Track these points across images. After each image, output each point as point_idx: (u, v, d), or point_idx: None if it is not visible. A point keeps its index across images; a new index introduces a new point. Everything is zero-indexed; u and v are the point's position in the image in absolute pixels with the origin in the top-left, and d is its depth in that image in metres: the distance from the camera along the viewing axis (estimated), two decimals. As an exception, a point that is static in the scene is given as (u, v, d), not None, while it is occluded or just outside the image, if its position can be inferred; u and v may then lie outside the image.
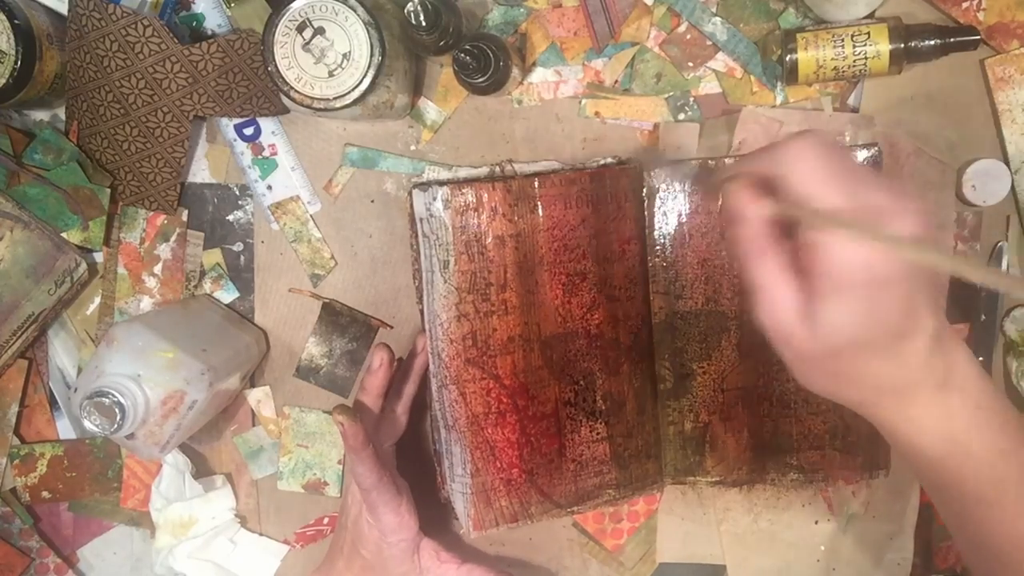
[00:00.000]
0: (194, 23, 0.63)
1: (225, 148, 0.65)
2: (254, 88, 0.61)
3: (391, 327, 0.65)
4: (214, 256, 0.66)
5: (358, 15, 0.53)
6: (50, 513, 0.69)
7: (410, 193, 0.58)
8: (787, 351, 0.42)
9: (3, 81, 0.58)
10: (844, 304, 0.38)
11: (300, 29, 0.54)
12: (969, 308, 0.62)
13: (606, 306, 0.60)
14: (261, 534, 0.67)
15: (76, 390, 0.56)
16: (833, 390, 0.43)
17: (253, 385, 0.67)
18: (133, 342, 0.55)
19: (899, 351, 0.40)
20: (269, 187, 0.64)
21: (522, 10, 0.62)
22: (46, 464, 0.67)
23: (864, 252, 0.37)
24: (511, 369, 0.57)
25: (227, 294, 0.66)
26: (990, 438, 0.43)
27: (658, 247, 0.61)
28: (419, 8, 0.52)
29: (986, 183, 0.60)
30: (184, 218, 0.66)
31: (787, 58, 0.58)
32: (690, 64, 0.62)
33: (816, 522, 0.64)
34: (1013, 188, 0.60)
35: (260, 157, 0.64)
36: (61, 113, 0.65)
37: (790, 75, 0.59)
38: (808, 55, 0.57)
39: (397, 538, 0.55)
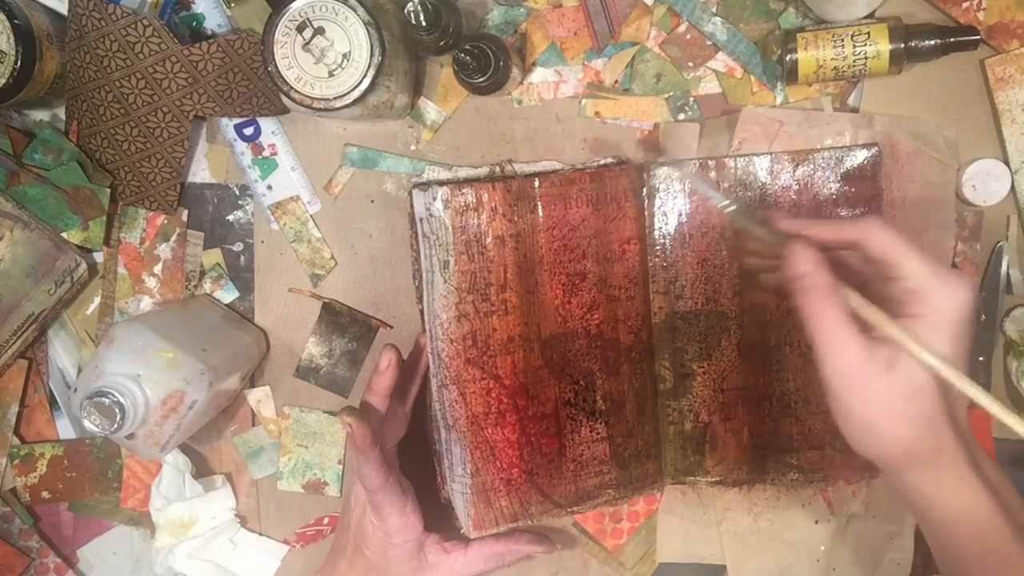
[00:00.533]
0: (194, 23, 0.63)
1: (225, 148, 0.65)
2: (254, 88, 0.61)
3: (391, 327, 0.65)
4: (214, 256, 0.66)
5: (358, 15, 0.53)
6: (50, 513, 0.69)
7: (410, 193, 0.58)
8: (856, 400, 0.44)
9: (3, 81, 0.58)
10: (945, 338, 0.43)
11: (300, 29, 0.54)
12: (969, 308, 0.62)
13: (606, 306, 0.60)
14: (261, 534, 0.67)
15: (76, 390, 0.56)
16: (898, 439, 0.44)
17: (253, 385, 0.67)
18: (133, 342, 0.55)
19: (961, 406, 0.44)
20: (269, 187, 0.64)
21: (522, 10, 0.62)
22: (46, 464, 0.67)
23: (966, 296, 0.43)
24: (511, 369, 0.57)
25: (227, 294, 0.66)
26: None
27: (658, 247, 0.61)
28: (419, 8, 0.52)
29: (986, 183, 0.60)
30: (184, 218, 0.66)
31: (787, 58, 0.58)
32: (690, 64, 0.62)
33: (816, 522, 0.64)
34: (1013, 188, 0.60)
35: (260, 157, 0.64)
36: (61, 113, 0.65)
37: (790, 75, 0.59)
38: (808, 55, 0.57)
39: (402, 539, 0.55)
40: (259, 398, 0.66)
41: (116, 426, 0.52)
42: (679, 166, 0.58)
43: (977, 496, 0.44)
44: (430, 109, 0.63)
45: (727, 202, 0.52)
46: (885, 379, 0.43)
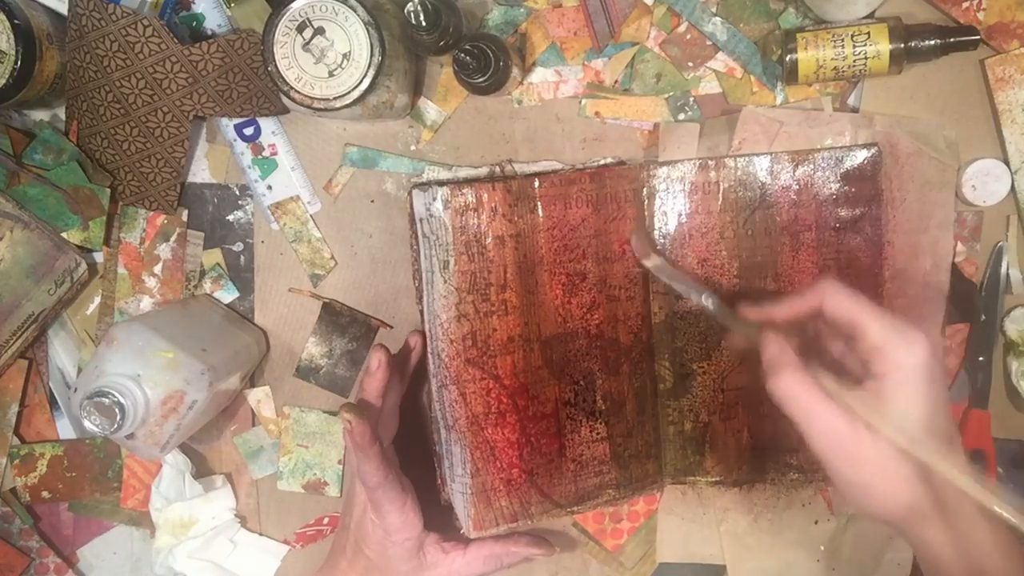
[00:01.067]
0: (194, 23, 0.63)
1: (225, 148, 0.65)
2: (254, 88, 0.61)
3: (391, 327, 0.65)
4: (214, 256, 0.66)
5: (358, 15, 0.53)
6: (50, 513, 0.69)
7: (410, 193, 0.58)
8: (848, 466, 0.44)
9: (3, 81, 0.58)
10: (913, 396, 0.43)
11: (300, 29, 0.54)
12: (969, 308, 0.62)
13: (606, 306, 0.60)
14: (261, 534, 0.67)
15: (76, 390, 0.56)
16: (898, 498, 0.44)
17: (253, 385, 0.67)
18: (133, 342, 0.55)
19: (953, 452, 0.43)
20: (269, 187, 0.64)
21: (522, 10, 0.62)
22: (46, 464, 0.67)
23: (926, 351, 0.43)
24: (511, 369, 0.57)
25: (227, 294, 0.66)
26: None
27: (658, 247, 0.61)
28: (419, 8, 0.52)
29: (986, 183, 0.60)
30: (184, 218, 0.66)
31: (787, 58, 0.58)
32: (690, 64, 0.62)
33: (816, 522, 0.64)
34: (1013, 188, 0.60)
35: (260, 157, 0.64)
36: (61, 113, 0.65)
37: (790, 75, 0.59)
38: (808, 55, 0.57)
39: (402, 537, 0.55)
40: (259, 398, 0.66)
41: (116, 426, 0.52)
42: (660, 268, 0.58)
43: (987, 545, 0.43)
44: (430, 109, 0.63)
45: (703, 298, 0.54)
46: (870, 441, 0.43)
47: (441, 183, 0.58)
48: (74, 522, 0.69)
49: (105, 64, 0.60)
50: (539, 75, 0.63)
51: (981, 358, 0.62)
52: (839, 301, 0.46)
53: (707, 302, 0.54)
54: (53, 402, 0.68)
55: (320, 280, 0.65)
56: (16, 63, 0.58)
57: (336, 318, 0.66)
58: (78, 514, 0.69)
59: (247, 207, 0.66)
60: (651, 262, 0.59)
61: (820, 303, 0.47)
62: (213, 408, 0.61)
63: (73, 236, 0.63)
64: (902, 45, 0.57)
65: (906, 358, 0.43)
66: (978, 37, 0.57)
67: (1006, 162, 0.60)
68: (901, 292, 0.61)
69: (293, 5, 0.54)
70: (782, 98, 0.62)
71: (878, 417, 0.43)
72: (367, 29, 0.53)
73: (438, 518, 0.59)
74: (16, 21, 0.57)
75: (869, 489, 0.44)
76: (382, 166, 0.64)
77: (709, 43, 0.62)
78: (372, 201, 0.65)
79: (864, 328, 0.44)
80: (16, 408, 0.67)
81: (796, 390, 0.44)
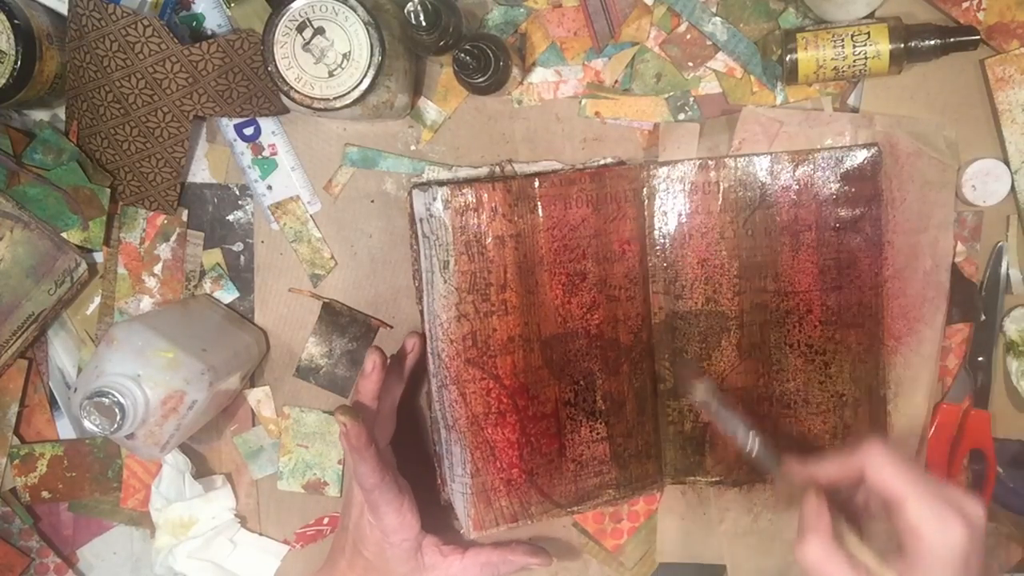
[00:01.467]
0: (194, 23, 0.63)
1: (225, 148, 0.65)
2: (254, 88, 0.61)
3: (391, 327, 0.65)
4: (214, 256, 0.66)
5: (358, 15, 0.53)
6: (50, 513, 0.69)
7: (410, 193, 0.58)
8: None
9: (3, 81, 0.58)
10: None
11: (300, 29, 0.54)
12: (969, 308, 0.62)
13: (606, 306, 0.60)
14: (261, 534, 0.67)
15: (76, 390, 0.56)
16: None
17: (253, 385, 0.67)
18: (133, 342, 0.55)
19: None
20: (269, 187, 0.64)
21: (522, 10, 0.62)
22: (46, 464, 0.67)
23: (962, 537, 0.42)
24: (511, 369, 0.58)
25: (227, 294, 0.66)
26: None
27: (658, 247, 0.61)
28: (419, 8, 0.52)
29: (986, 183, 0.60)
30: (184, 218, 0.66)
31: (787, 58, 0.58)
32: (690, 64, 0.62)
33: (816, 522, 0.64)
34: (1013, 188, 0.60)
35: (260, 157, 0.64)
36: (61, 113, 0.65)
37: (790, 75, 0.59)
38: (808, 55, 0.57)
39: (399, 538, 0.55)
40: (259, 398, 0.66)
41: (116, 426, 0.52)
42: (706, 396, 0.56)
43: None
44: (430, 109, 0.63)
45: (750, 442, 0.53)
46: None
47: (441, 183, 0.58)
48: (74, 522, 0.69)
49: (105, 64, 0.60)
50: (539, 75, 0.63)
51: (981, 358, 0.62)
52: (880, 471, 0.44)
53: (753, 445, 0.53)
54: (53, 402, 0.68)
55: (320, 280, 0.65)
56: (16, 63, 0.58)
57: (336, 318, 0.66)
58: (78, 514, 0.69)
59: (247, 207, 0.66)
60: (699, 396, 0.57)
61: (863, 468, 0.45)
62: (213, 408, 0.61)
63: (73, 236, 0.63)
64: (902, 45, 0.57)
65: (941, 545, 0.42)
66: (978, 37, 0.57)
67: (1006, 162, 0.60)
68: (901, 292, 0.61)
69: (293, 5, 0.54)
70: (782, 98, 0.62)
71: None
72: (367, 29, 0.53)
73: (437, 519, 0.59)
74: (16, 21, 0.57)
75: None
76: (382, 166, 0.64)
77: (709, 43, 0.62)
78: (372, 201, 0.65)
79: (902, 504, 0.43)
80: (16, 408, 0.67)
81: (820, 559, 0.44)
